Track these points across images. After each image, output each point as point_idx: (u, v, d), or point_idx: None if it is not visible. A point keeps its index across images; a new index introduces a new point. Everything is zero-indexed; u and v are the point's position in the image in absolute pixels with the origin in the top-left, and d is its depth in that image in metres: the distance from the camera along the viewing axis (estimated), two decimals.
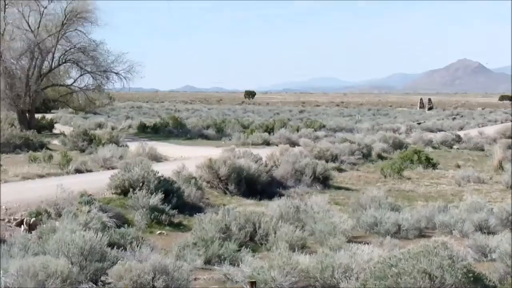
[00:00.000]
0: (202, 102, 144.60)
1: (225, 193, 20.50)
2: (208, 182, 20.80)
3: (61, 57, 47.11)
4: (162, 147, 31.93)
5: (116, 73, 48.36)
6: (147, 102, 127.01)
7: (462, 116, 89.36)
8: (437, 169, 28.85)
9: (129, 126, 52.15)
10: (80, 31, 47.63)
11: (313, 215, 15.49)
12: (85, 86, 48.70)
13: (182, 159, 28.05)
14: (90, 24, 47.40)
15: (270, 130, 44.65)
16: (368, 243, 13.59)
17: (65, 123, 54.88)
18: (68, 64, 48.45)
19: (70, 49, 47.16)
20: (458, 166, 30.20)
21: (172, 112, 78.89)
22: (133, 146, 30.54)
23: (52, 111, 67.09)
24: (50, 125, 48.05)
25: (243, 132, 42.03)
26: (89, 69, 47.93)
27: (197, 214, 15.62)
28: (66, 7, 45.95)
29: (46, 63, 46.61)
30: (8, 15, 45.05)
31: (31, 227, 13.88)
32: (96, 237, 10.57)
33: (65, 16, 45.72)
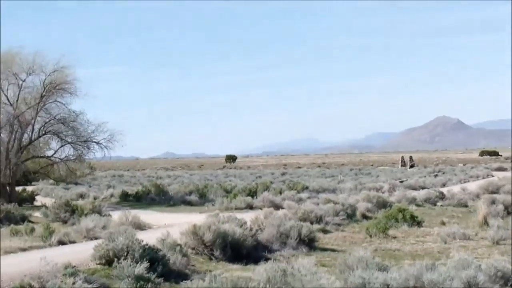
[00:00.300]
0: (183, 168, 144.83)
1: (211, 259, 20.27)
2: (193, 248, 20.59)
3: (41, 128, 47.10)
4: (145, 215, 31.76)
5: (97, 143, 48.40)
6: (128, 170, 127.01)
7: (443, 173, 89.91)
8: (422, 227, 28.75)
9: (111, 195, 51.86)
10: (60, 102, 47.86)
11: (300, 278, 15.28)
12: (65, 156, 48.62)
13: (166, 227, 27.87)
14: (69, 95, 47.61)
15: (253, 194, 44.64)
16: None
17: (46, 195, 54.51)
18: (48, 135, 48.38)
19: (49, 120, 47.21)
20: (443, 223, 30.15)
21: (154, 179, 78.84)
22: (116, 215, 30.32)
23: (33, 183, 66.80)
24: (31, 198, 47.70)
25: (226, 197, 41.95)
26: (69, 140, 47.91)
27: (183, 281, 15.45)
28: (45, 79, 46.18)
29: (26, 135, 46.61)
30: None
31: None
32: None
33: (44, 88, 45.90)
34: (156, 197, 48.28)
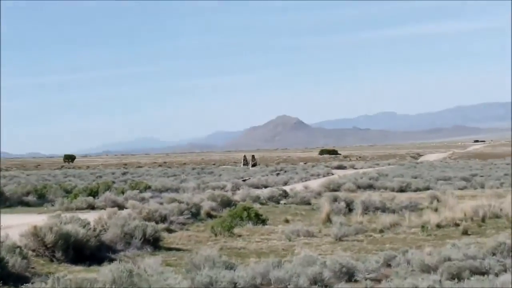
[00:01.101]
0: (19, 168, 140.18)
1: (52, 261, 19.61)
2: (33, 250, 19.80)
3: None
4: None
5: None
6: None
7: (285, 172, 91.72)
8: (266, 225, 29.10)
9: None
10: None
11: (147, 278, 14.99)
12: None
13: (3, 228, 26.77)
14: None
15: (94, 193, 43.66)
16: None
17: None
18: None
19: None
20: (287, 221, 30.63)
21: None
22: None
23: None
24: None
25: (66, 197, 40.84)
26: None
27: (23, 284, 14.85)
28: None
29: None
30: None
31: None
32: None
33: None
34: None
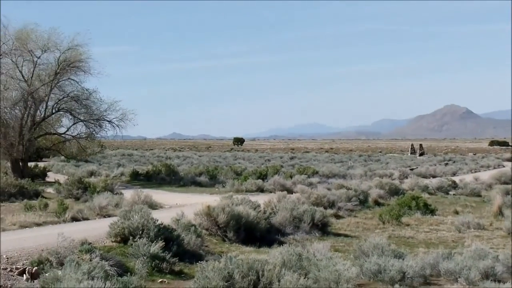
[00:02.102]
0: (191, 149, 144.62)
1: (224, 241, 20.29)
2: (207, 229, 20.60)
3: (54, 106, 47.11)
4: (156, 195, 31.79)
5: (109, 121, 48.34)
6: (136, 149, 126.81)
7: (454, 162, 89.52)
8: (435, 215, 28.71)
9: (122, 174, 51.88)
10: (73, 80, 47.80)
11: (316, 263, 15.22)
12: (77, 134, 48.59)
13: (177, 207, 27.92)
14: (83, 73, 47.56)
15: (263, 176, 44.61)
16: None
17: (57, 171, 54.79)
18: (61, 112, 48.35)
19: (63, 98, 47.20)
20: (457, 212, 30.07)
21: (163, 160, 78.67)
22: (128, 194, 30.37)
23: (44, 159, 66.95)
24: (43, 174, 47.89)
25: (236, 179, 41.90)
26: (82, 118, 47.89)
27: (198, 262, 15.40)
28: (59, 57, 46.11)
29: (39, 112, 46.59)
30: (2, 65, 45.12)
31: (33, 276, 13.64)
32: (104, 286, 10.38)
33: (58, 66, 45.81)
34: (167, 177, 48.28)
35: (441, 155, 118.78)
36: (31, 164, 49.58)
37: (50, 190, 34.55)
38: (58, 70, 45.88)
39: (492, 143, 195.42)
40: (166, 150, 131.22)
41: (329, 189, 33.08)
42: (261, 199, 26.74)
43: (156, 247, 15.75)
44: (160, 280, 14.90)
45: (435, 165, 77.76)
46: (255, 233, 21.10)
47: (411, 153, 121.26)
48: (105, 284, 10.63)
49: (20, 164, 45.20)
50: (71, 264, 12.95)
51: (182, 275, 15.59)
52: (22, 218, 21.83)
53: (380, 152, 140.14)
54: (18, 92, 44.91)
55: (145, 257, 15.49)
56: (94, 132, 48.58)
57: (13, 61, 45.55)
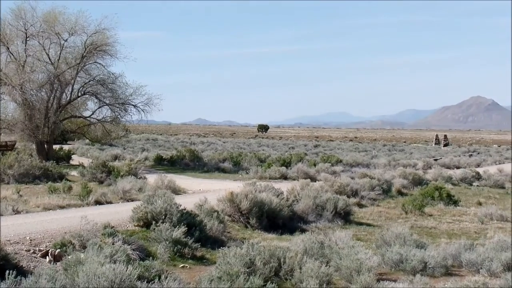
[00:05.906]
0: (215, 135, 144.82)
1: (246, 227, 20.32)
2: (229, 215, 20.64)
3: (80, 89, 47.39)
4: (180, 180, 31.88)
5: (134, 106, 48.50)
6: (161, 134, 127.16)
7: (478, 153, 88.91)
8: (458, 206, 28.59)
9: (146, 158, 52.01)
10: (100, 63, 48.05)
11: (338, 251, 15.22)
12: (102, 118, 48.84)
13: (200, 192, 27.99)
14: (109, 57, 47.76)
15: (287, 164, 44.61)
16: (395, 281, 13.45)
17: (81, 155, 55.14)
18: (87, 96, 48.60)
19: (89, 81, 47.48)
20: (480, 204, 29.93)
21: (187, 145, 78.85)
22: (152, 179, 30.53)
23: (68, 142, 67.33)
24: (67, 156, 48.18)
25: (260, 166, 41.87)
26: (107, 101, 48.12)
27: (220, 248, 15.45)
28: (86, 40, 46.34)
29: (65, 95, 46.88)
30: (29, 47, 45.45)
31: (56, 258, 13.75)
32: (126, 270, 10.44)
33: (85, 49, 46.05)
34: (191, 163, 48.38)
35: (466, 146, 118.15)
36: (56, 146, 49.92)
37: (74, 173, 34.73)
38: (84, 54, 46.11)
39: None
40: (191, 136, 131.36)
41: (352, 178, 33.02)
42: (284, 186, 26.72)
43: (178, 232, 15.81)
44: (182, 265, 14.96)
45: (459, 156, 77.42)
46: (278, 220, 21.13)
47: (435, 144, 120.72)
48: (127, 268, 10.66)
49: (45, 146, 45.53)
50: (94, 247, 13.05)
51: (204, 261, 15.65)
52: (46, 201, 22.01)
53: (404, 142, 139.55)
54: (45, 74, 45.26)
55: (167, 242, 15.56)
56: (119, 116, 48.80)
57: (40, 44, 45.87)
